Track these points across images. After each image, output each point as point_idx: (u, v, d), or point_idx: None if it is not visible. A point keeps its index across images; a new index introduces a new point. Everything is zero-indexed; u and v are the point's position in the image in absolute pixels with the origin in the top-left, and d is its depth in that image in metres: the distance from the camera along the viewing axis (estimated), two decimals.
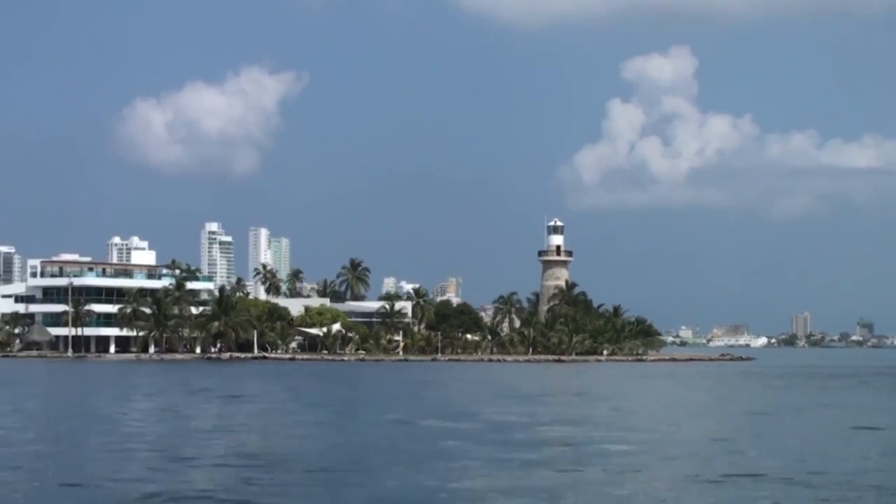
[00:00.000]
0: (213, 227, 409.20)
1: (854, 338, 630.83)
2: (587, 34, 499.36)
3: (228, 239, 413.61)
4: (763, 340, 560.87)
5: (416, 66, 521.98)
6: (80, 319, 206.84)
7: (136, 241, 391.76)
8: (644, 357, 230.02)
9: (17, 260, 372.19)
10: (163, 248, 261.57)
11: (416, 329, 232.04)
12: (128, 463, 50.65)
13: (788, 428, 70.91)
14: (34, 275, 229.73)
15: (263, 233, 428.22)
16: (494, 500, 40.42)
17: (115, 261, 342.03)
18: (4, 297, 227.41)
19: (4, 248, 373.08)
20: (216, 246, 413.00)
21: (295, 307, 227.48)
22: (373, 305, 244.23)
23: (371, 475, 45.40)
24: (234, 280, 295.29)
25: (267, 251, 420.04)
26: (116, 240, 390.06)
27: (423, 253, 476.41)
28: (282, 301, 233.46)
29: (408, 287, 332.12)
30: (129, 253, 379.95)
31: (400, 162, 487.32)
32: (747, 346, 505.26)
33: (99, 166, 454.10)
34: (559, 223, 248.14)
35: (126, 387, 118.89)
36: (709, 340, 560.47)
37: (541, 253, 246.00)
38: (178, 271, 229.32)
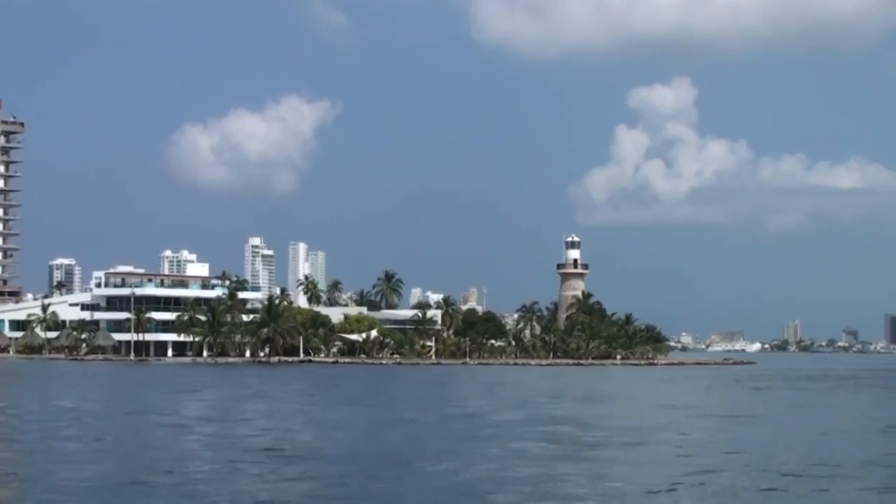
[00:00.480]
0: (256, 241, 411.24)
1: (840, 343, 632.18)
2: (596, 66, 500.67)
3: (270, 252, 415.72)
4: (757, 346, 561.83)
5: (439, 96, 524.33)
6: (141, 326, 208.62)
7: (185, 254, 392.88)
8: (655, 361, 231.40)
9: (77, 271, 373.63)
10: (210, 261, 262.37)
11: (445, 335, 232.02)
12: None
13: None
14: (98, 285, 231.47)
15: (301, 247, 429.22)
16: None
17: (166, 271, 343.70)
18: (72, 305, 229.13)
19: (66, 261, 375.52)
20: (259, 259, 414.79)
21: (335, 315, 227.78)
22: (406, 313, 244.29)
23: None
24: (276, 290, 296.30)
25: (305, 263, 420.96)
26: (168, 253, 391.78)
27: (447, 265, 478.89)
28: (322, 309, 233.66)
29: (433, 297, 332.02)
30: (179, 265, 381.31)
31: (425, 182, 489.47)
32: (743, 350, 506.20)
33: (152, 186, 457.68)
34: (576, 238, 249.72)
35: (233, 386, 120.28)
36: (707, 346, 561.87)
37: (559, 266, 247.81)
38: (227, 282, 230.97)
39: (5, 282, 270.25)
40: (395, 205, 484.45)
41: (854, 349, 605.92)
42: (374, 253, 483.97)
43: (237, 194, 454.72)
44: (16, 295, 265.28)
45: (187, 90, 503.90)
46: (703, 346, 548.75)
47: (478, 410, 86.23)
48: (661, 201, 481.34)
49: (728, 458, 51.14)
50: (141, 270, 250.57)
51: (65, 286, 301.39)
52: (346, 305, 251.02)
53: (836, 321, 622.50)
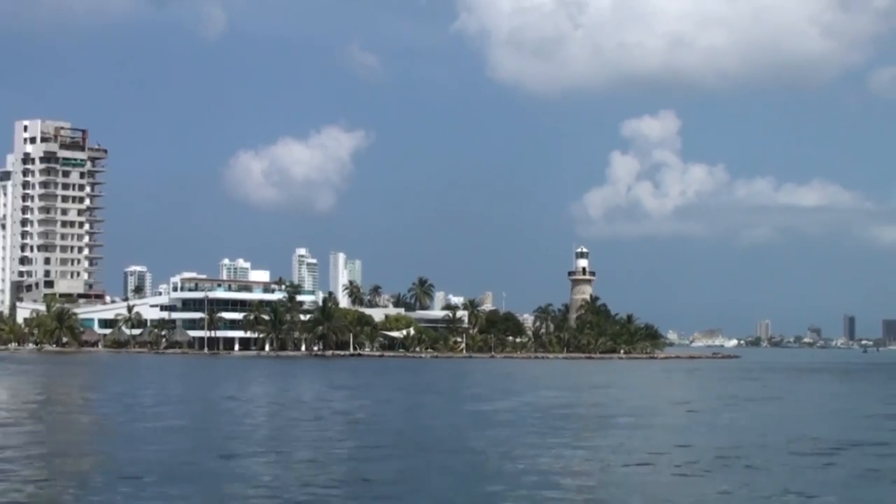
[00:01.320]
0: (302, 251, 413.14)
1: (806, 340, 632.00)
2: (593, 101, 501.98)
3: (314, 261, 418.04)
4: (734, 342, 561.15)
5: (458, 126, 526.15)
6: (212, 324, 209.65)
7: (240, 262, 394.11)
8: (655, 355, 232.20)
9: (148, 277, 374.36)
10: (261, 268, 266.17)
11: (472, 332, 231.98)
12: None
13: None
14: (175, 289, 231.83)
15: (341, 256, 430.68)
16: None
17: (224, 277, 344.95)
18: (152, 306, 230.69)
19: (139, 268, 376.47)
20: (304, 266, 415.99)
21: (377, 315, 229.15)
22: (437, 314, 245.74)
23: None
24: (320, 294, 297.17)
25: (344, 271, 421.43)
26: (226, 261, 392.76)
27: (466, 271, 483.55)
28: (365, 310, 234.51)
29: (454, 299, 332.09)
30: (235, 271, 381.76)
31: (447, 200, 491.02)
32: (721, 346, 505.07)
33: (211, 203, 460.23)
34: (584, 250, 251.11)
35: (316, 377, 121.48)
36: (691, 341, 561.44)
37: (570, 273, 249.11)
38: (283, 286, 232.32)
39: (91, 286, 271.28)
40: (421, 220, 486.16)
41: (818, 345, 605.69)
42: (403, 261, 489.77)
43: (284, 211, 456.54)
44: (100, 297, 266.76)
45: (242, 121, 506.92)
46: (688, 342, 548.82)
47: (537, 389, 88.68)
48: (650, 217, 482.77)
49: (743, 430, 53.81)
50: (204, 276, 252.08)
51: (142, 290, 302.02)
52: (385, 307, 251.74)
53: (801, 320, 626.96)
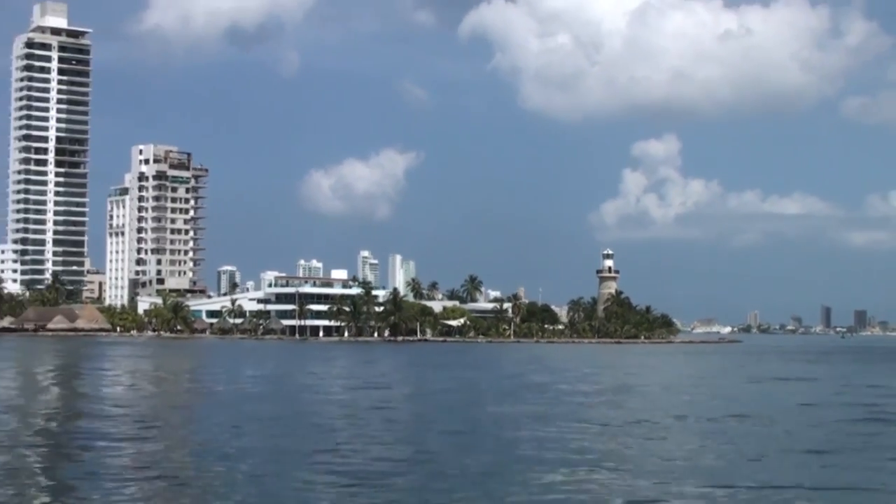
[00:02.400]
0: (365, 253, 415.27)
1: (789, 327, 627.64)
2: (609, 125, 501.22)
3: (375, 261, 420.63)
4: (728, 329, 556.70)
5: (495, 147, 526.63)
6: (301, 314, 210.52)
7: (314, 262, 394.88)
8: (671, 340, 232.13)
9: (237, 275, 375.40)
10: (331, 268, 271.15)
11: (515, 321, 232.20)
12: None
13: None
14: (269, 285, 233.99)
15: (398, 257, 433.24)
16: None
17: (300, 275, 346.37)
18: (250, 299, 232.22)
19: (229, 267, 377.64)
20: (367, 266, 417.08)
21: (436, 307, 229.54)
22: (486, 305, 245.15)
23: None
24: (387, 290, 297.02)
25: (400, 270, 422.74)
26: (302, 261, 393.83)
27: (501, 269, 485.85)
28: (426, 303, 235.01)
29: (493, 293, 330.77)
30: (310, 270, 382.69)
31: (485, 210, 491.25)
32: (717, 332, 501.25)
33: (289, 212, 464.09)
34: (610, 252, 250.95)
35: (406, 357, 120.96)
36: (692, 329, 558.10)
37: (598, 271, 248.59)
38: (357, 283, 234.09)
39: (195, 283, 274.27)
40: (464, 226, 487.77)
41: (799, 332, 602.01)
42: (449, 261, 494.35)
43: (349, 219, 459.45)
44: (203, 292, 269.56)
45: (314, 145, 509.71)
46: (689, 329, 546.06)
47: (598, 363, 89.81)
48: (656, 224, 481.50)
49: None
50: (284, 274, 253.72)
51: (238, 286, 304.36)
52: (441, 300, 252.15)
53: (785, 310, 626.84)
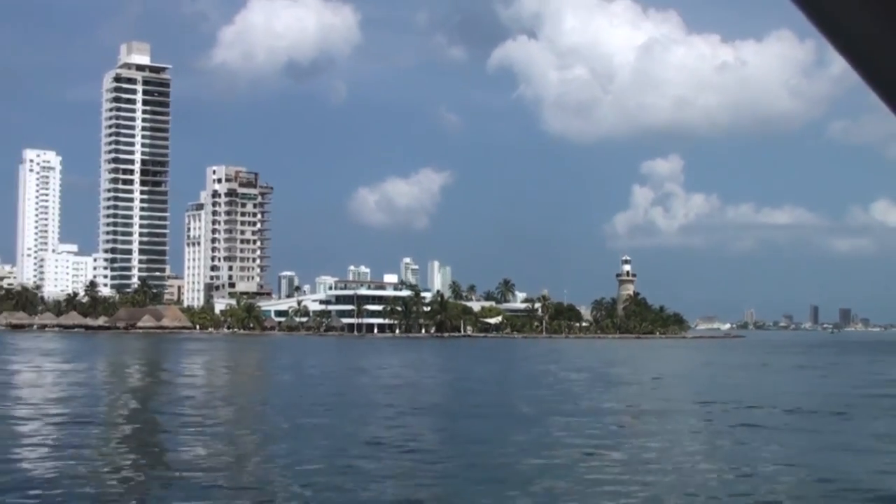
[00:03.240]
0: (407, 259, 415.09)
1: (782, 324, 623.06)
2: (621, 146, 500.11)
3: (416, 267, 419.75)
4: (728, 326, 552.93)
5: (520, 166, 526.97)
6: (359, 313, 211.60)
7: (362, 268, 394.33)
8: (684, 335, 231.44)
9: (296, 279, 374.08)
10: (378, 272, 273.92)
11: (545, 319, 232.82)
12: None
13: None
14: (330, 288, 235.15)
15: (436, 263, 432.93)
16: None
17: (350, 279, 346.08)
18: (313, 300, 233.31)
19: (288, 273, 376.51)
20: (409, 271, 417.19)
21: (475, 307, 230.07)
22: (519, 305, 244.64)
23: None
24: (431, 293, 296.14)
25: (437, 275, 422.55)
26: (352, 267, 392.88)
27: (525, 273, 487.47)
28: (466, 303, 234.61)
29: (520, 294, 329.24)
30: (359, 275, 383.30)
31: (510, 221, 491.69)
32: (718, 329, 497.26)
33: (339, 224, 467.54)
34: (628, 258, 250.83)
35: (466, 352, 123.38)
36: (695, 325, 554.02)
37: (618, 275, 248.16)
38: (405, 286, 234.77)
39: (261, 286, 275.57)
40: (493, 235, 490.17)
41: (791, 328, 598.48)
42: (481, 265, 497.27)
43: (391, 230, 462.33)
44: (268, 294, 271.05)
45: (360, 165, 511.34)
46: (693, 326, 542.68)
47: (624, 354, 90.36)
48: (662, 233, 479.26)
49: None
50: (336, 278, 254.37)
51: (299, 289, 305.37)
52: (478, 301, 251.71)
53: (777, 309, 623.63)
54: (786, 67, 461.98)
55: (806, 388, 53.19)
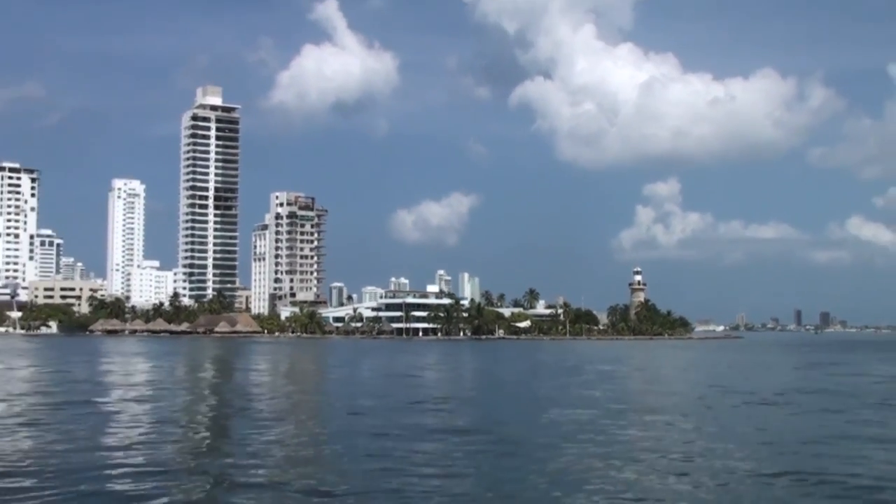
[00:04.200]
0: (441, 271, 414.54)
1: (769, 326, 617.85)
2: (626, 170, 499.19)
3: (449, 278, 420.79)
4: (721, 327, 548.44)
5: (537, 190, 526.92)
6: (406, 319, 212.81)
7: (402, 279, 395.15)
8: (691, 336, 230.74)
9: (345, 290, 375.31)
10: (414, 283, 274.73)
11: (567, 323, 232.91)
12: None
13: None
14: (381, 296, 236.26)
15: (466, 275, 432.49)
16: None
17: (391, 288, 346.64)
18: (366, 308, 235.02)
19: (339, 283, 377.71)
20: (443, 282, 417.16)
21: (506, 312, 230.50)
22: (543, 311, 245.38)
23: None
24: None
25: (468, 284, 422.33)
26: (393, 279, 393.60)
27: (544, 282, 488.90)
28: (497, 309, 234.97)
29: (538, 302, 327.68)
30: (399, 285, 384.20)
31: (530, 238, 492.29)
32: (713, 330, 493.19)
33: (381, 241, 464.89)
34: (639, 269, 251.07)
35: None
36: (693, 328, 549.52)
37: (630, 284, 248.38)
38: (444, 295, 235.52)
39: (318, 296, 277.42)
40: (514, 250, 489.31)
41: (777, 329, 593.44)
42: (505, 276, 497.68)
43: (426, 246, 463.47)
44: (323, 303, 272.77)
45: (399, 190, 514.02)
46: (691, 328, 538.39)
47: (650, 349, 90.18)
48: (662, 247, 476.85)
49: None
50: (384, 289, 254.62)
51: (351, 298, 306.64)
52: (508, 307, 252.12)
53: (765, 313, 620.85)
54: (770, 101, 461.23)
55: (843, 382, 53.80)
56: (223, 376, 60.12)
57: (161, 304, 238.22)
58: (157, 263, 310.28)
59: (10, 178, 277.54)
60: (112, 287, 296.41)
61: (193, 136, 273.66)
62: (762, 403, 38.25)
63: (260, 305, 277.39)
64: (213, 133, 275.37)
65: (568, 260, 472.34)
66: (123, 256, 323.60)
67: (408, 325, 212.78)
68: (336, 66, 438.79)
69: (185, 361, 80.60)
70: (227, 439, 27.46)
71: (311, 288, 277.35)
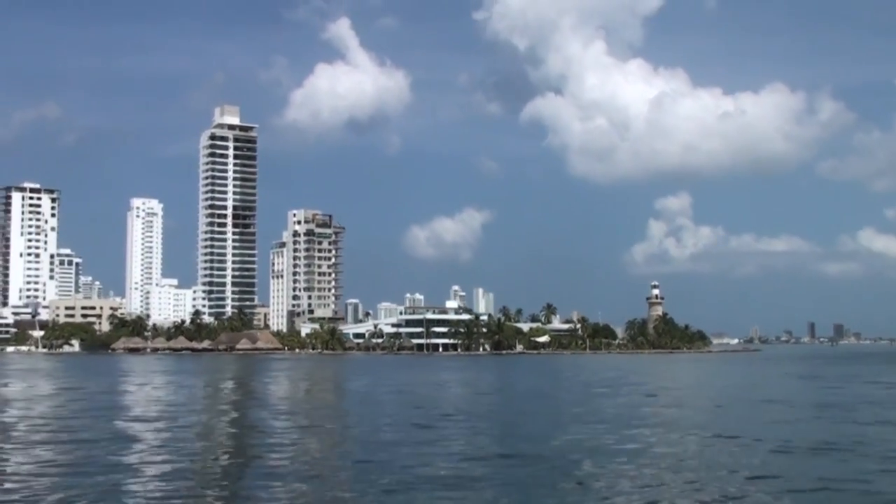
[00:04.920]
0: (456, 287, 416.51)
1: (783, 339, 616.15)
2: (637, 185, 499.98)
3: (463, 293, 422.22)
4: (735, 341, 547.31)
5: (550, 205, 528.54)
6: (427, 335, 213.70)
7: (417, 295, 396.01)
8: (709, 350, 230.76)
9: (360, 306, 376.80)
10: (430, 299, 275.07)
11: (586, 338, 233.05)
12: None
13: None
14: (401, 313, 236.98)
15: (480, 290, 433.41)
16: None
17: (406, 305, 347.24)
18: (386, 324, 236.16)
19: (353, 300, 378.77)
20: (458, 297, 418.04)
21: (524, 327, 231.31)
22: (562, 326, 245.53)
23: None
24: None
25: (482, 300, 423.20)
26: (408, 294, 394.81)
27: (557, 296, 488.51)
28: (515, 325, 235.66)
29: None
30: (414, 301, 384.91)
31: (542, 252, 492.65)
32: (727, 343, 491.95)
33: (395, 257, 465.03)
34: (657, 283, 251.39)
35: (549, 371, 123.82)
36: (711, 342, 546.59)
37: (648, 298, 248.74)
38: (463, 309, 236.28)
39: (335, 312, 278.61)
40: (527, 265, 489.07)
41: (791, 342, 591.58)
42: (520, 291, 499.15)
43: (440, 262, 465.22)
44: (341, 319, 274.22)
45: (412, 206, 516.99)
46: (709, 342, 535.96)
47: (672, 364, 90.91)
48: (674, 261, 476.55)
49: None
50: (398, 305, 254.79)
51: (369, 314, 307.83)
52: (525, 322, 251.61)
53: (778, 325, 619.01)
54: (780, 115, 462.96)
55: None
56: (265, 398, 61.27)
57: (183, 321, 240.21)
58: (174, 282, 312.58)
59: (31, 198, 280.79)
60: (131, 305, 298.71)
61: (212, 154, 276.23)
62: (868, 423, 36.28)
63: (278, 322, 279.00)
64: (231, 152, 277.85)
65: (581, 274, 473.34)
66: (142, 275, 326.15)
67: (428, 341, 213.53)
68: (349, 84, 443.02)
69: (217, 380, 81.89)
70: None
71: (328, 305, 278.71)
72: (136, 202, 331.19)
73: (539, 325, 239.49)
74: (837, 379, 75.74)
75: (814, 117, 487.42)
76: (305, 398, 54.33)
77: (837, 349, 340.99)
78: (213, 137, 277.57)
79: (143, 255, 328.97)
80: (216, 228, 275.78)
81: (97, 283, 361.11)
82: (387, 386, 68.71)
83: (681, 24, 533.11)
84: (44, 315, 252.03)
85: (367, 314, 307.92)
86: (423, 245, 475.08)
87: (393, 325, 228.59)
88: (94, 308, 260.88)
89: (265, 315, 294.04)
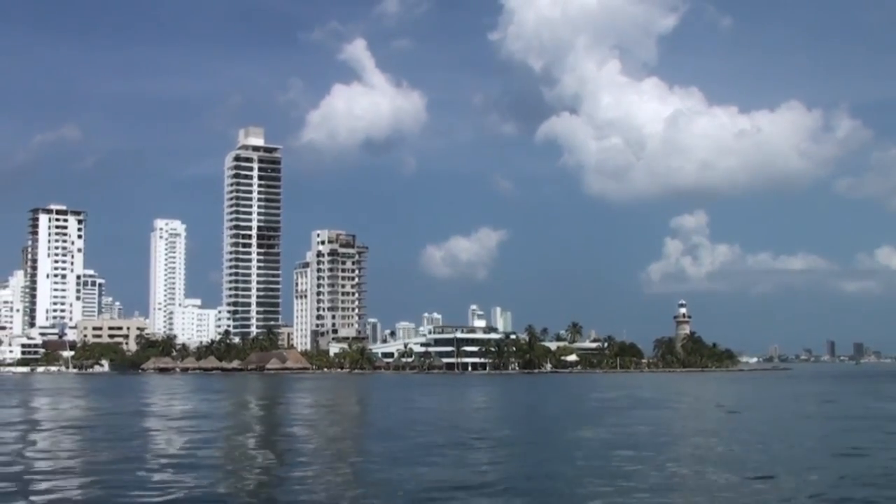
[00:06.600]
0: (474, 306, 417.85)
1: (803, 357, 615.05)
2: (653, 204, 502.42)
3: (481, 313, 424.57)
4: (755, 359, 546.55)
5: (565, 223, 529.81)
6: (457, 354, 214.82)
7: (435, 314, 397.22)
8: (740, 369, 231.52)
9: (379, 326, 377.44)
10: (447, 318, 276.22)
11: (615, 357, 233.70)
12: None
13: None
14: (430, 332, 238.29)
15: (498, 309, 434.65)
16: None
17: (425, 325, 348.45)
18: (415, 343, 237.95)
19: (372, 319, 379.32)
20: (475, 316, 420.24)
21: (552, 346, 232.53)
22: (589, 345, 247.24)
23: None
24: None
25: (500, 319, 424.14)
26: (426, 314, 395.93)
27: (574, 315, 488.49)
28: (543, 343, 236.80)
29: (563, 334, 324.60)
30: (433, 321, 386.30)
31: (558, 272, 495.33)
32: (747, 362, 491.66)
33: (413, 277, 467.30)
34: (683, 302, 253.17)
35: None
36: (738, 360, 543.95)
37: (675, 317, 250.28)
38: (493, 329, 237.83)
39: (359, 332, 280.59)
40: (544, 283, 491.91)
41: (811, 361, 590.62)
42: (537, 309, 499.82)
43: (456, 281, 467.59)
44: (365, 339, 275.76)
45: (428, 226, 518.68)
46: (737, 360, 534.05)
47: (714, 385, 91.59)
48: (691, 280, 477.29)
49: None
50: (411, 325, 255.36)
51: (395, 335, 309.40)
52: (550, 341, 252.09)
53: (798, 344, 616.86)
54: (796, 133, 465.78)
55: None
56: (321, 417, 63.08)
57: (212, 341, 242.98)
58: (198, 302, 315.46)
59: (58, 219, 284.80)
60: (154, 325, 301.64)
61: (237, 175, 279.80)
62: None
63: (302, 342, 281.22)
64: (255, 173, 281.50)
65: (598, 293, 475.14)
66: (165, 295, 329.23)
67: (457, 360, 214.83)
68: (365, 104, 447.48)
69: (275, 397, 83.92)
70: None
71: (352, 324, 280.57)
72: (160, 223, 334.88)
73: (565, 343, 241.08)
74: None
75: (830, 135, 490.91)
76: (382, 416, 56.28)
77: (864, 368, 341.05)
78: (237, 159, 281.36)
79: (166, 275, 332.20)
80: (241, 249, 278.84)
81: (118, 303, 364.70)
82: (455, 404, 70.78)
83: (695, 42, 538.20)
84: (70, 335, 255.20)
85: (392, 333, 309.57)
86: (438, 264, 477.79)
87: (422, 345, 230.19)
88: (121, 328, 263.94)
89: (288, 335, 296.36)
